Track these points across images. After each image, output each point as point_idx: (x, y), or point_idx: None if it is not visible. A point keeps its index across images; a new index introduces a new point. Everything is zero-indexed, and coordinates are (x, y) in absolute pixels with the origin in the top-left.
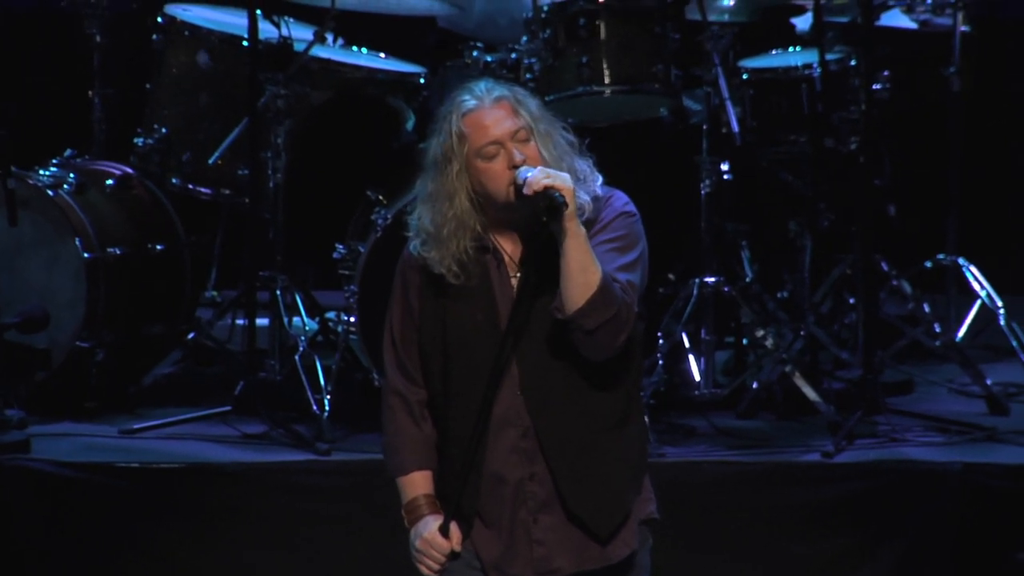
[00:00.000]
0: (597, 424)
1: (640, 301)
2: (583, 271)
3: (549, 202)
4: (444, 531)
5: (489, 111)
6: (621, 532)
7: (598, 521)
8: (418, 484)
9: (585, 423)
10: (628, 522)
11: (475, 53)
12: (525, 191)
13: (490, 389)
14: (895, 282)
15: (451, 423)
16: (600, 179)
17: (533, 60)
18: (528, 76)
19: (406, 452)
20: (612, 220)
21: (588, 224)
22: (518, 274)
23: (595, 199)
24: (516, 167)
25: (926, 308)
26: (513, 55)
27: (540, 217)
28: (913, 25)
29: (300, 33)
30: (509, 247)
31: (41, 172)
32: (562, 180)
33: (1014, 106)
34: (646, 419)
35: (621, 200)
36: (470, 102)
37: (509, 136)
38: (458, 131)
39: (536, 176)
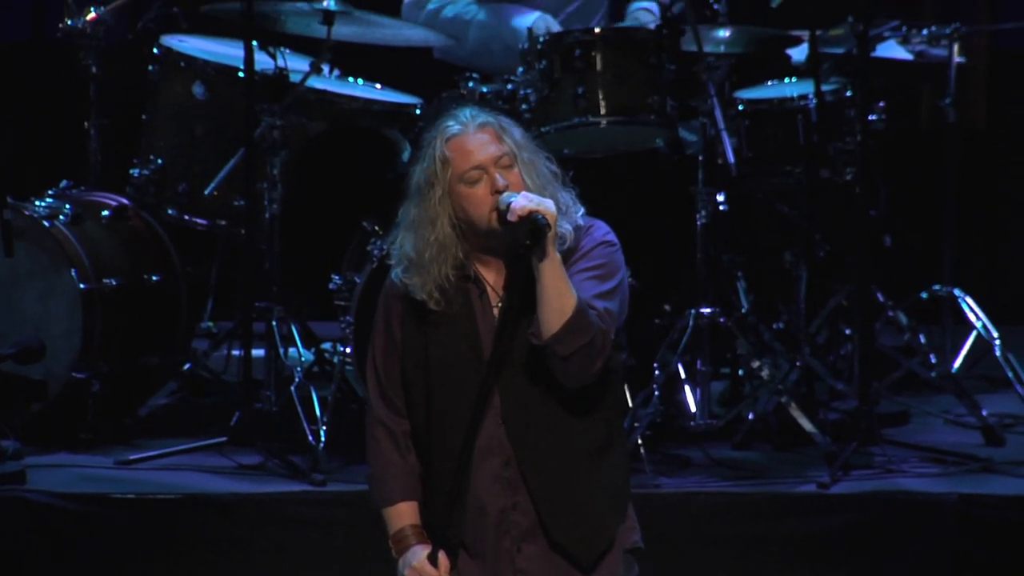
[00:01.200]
0: (578, 452)
1: (620, 331)
2: (559, 296)
3: (532, 225)
4: (433, 560)
5: (473, 136)
6: (605, 560)
7: (581, 549)
8: (405, 514)
9: (566, 451)
10: (612, 551)
11: (471, 84)
12: (509, 217)
13: (475, 418)
14: (891, 313)
15: (434, 453)
16: (582, 210)
17: (529, 91)
18: (524, 107)
19: (393, 482)
20: (592, 249)
21: (568, 253)
22: (499, 303)
23: (576, 228)
24: (499, 192)
25: (922, 339)
26: (509, 86)
27: (523, 241)
28: (909, 56)
29: (296, 64)
30: (490, 276)
31: (37, 203)
32: (546, 206)
33: (1009, 136)
34: (642, 450)
35: (601, 230)
36: (454, 127)
37: (493, 162)
38: (442, 156)
39: (520, 202)
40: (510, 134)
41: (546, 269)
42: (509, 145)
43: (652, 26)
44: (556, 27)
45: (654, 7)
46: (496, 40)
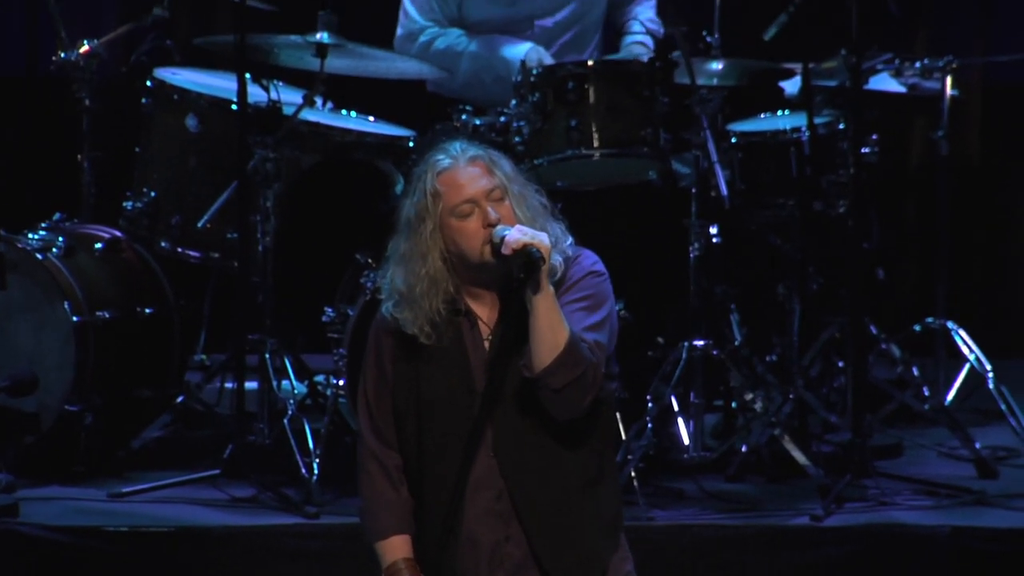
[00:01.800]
0: (570, 483)
1: (611, 359)
2: (552, 330)
3: (527, 258)
4: None
5: (464, 170)
6: None
7: None
8: (398, 548)
9: (558, 483)
10: None
11: (464, 116)
12: (503, 250)
13: (468, 452)
14: (884, 345)
15: (426, 486)
16: (570, 240)
17: (522, 123)
18: (517, 139)
19: (386, 516)
20: (580, 279)
21: (557, 283)
22: (491, 336)
23: (564, 259)
24: (491, 225)
25: (915, 371)
26: (502, 118)
27: (517, 274)
28: (902, 89)
29: (289, 96)
30: (481, 309)
31: (30, 235)
32: (540, 239)
33: (1002, 169)
34: (635, 482)
35: (589, 259)
36: (444, 161)
37: (484, 195)
38: (432, 190)
39: (514, 235)
40: (500, 167)
41: (540, 303)
42: (499, 178)
43: (645, 58)
44: (548, 58)
45: (648, 40)
46: (488, 71)
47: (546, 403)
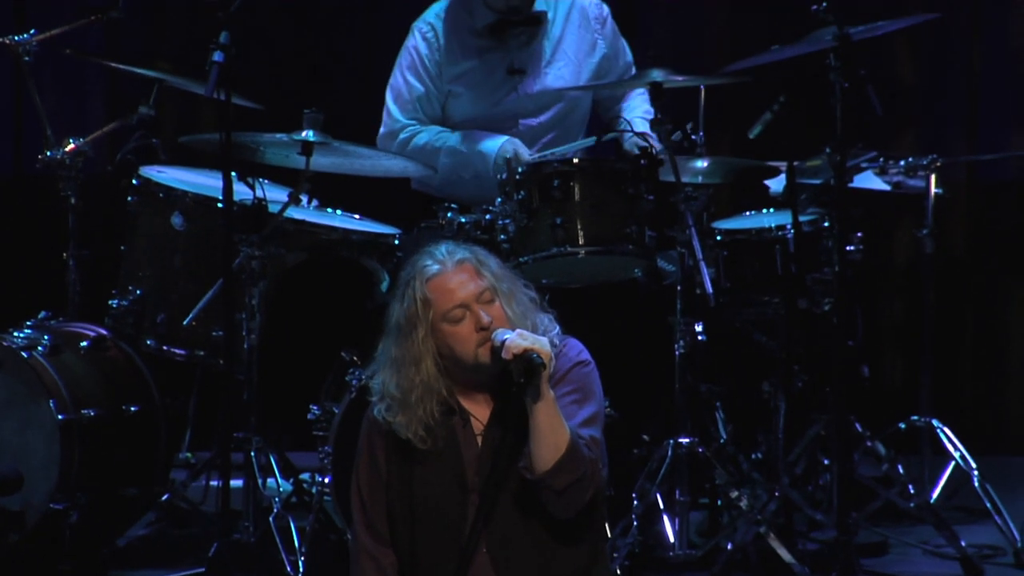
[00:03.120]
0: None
1: (600, 446)
2: (553, 433)
3: (528, 364)
4: None
5: (453, 275)
6: None
7: None
8: None
9: None
10: None
11: (449, 214)
12: (503, 355)
13: (466, 554)
14: (869, 443)
15: None
16: (557, 329)
17: (507, 221)
18: (502, 237)
19: None
20: (568, 371)
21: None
22: (483, 433)
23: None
24: (484, 329)
25: (900, 469)
26: (487, 216)
27: (516, 379)
28: (886, 187)
29: (275, 194)
30: (474, 407)
31: (15, 333)
32: (540, 344)
33: (988, 267)
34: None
35: (575, 349)
36: (433, 267)
37: (474, 298)
38: (422, 296)
39: (515, 340)
40: (488, 267)
41: (541, 407)
42: (488, 279)
43: (643, 126)
44: (524, 149)
45: (651, 112)
46: (466, 167)
47: (547, 503)
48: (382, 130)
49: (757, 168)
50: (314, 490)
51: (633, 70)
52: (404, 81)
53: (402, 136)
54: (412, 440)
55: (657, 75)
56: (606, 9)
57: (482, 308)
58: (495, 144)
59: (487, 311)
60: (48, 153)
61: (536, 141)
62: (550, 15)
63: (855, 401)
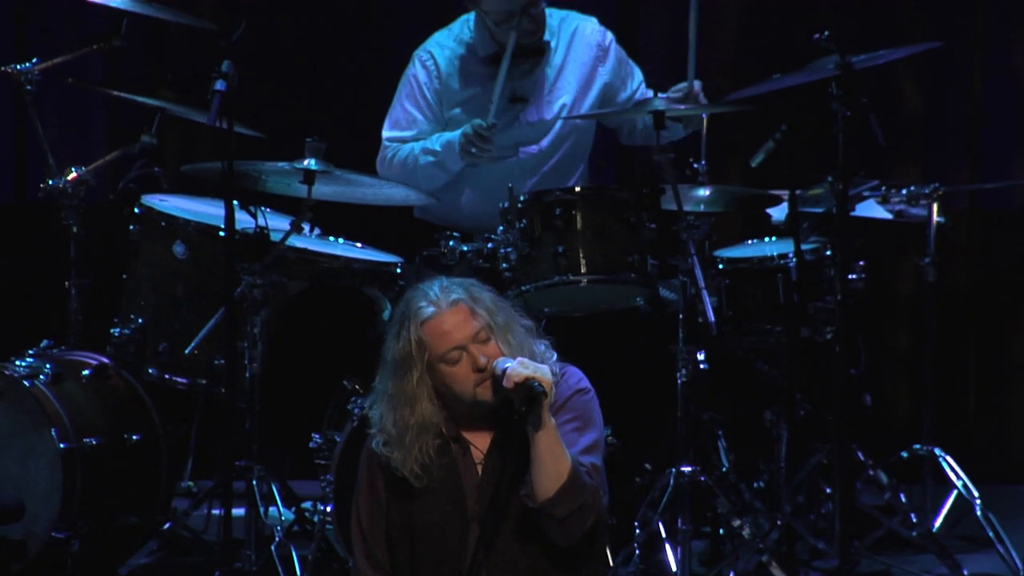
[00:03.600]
0: None
1: (600, 473)
2: (555, 461)
3: (529, 392)
4: None
5: (448, 317)
6: None
7: None
8: None
9: None
10: None
11: (451, 242)
12: (505, 383)
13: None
14: (871, 472)
15: None
16: (555, 356)
17: (509, 249)
18: (505, 265)
19: None
20: (568, 399)
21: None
22: (483, 461)
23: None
24: (481, 370)
25: (903, 498)
26: (489, 244)
27: (518, 407)
28: (888, 215)
29: (277, 223)
30: (473, 435)
31: (17, 363)
32: (542, 372)
33: (990, 296)
34: None
35: (575, 376)
36: (428, 309)
37: (470, 339)
38: (417, 338)
39: (516, 368)
40: (482, 304)
41: (543, 435)
42: (483, 318)
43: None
44: (486, 123)
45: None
46: (440, 166)
47: (549, 531)
48: (378, 157)
49: (759, 196)
50: (316, 519)
51: (644, 88)
52: (402, 109)
53: (388, 155)
54: (408, 477)
55: (659, 103)
56: (609, 36)
57: (478, 348)
58: (456, 132)
59: (483, 351)
60: (50, 182)
61: (537, 169)
62: (553, 43)
63: (857, 429)
